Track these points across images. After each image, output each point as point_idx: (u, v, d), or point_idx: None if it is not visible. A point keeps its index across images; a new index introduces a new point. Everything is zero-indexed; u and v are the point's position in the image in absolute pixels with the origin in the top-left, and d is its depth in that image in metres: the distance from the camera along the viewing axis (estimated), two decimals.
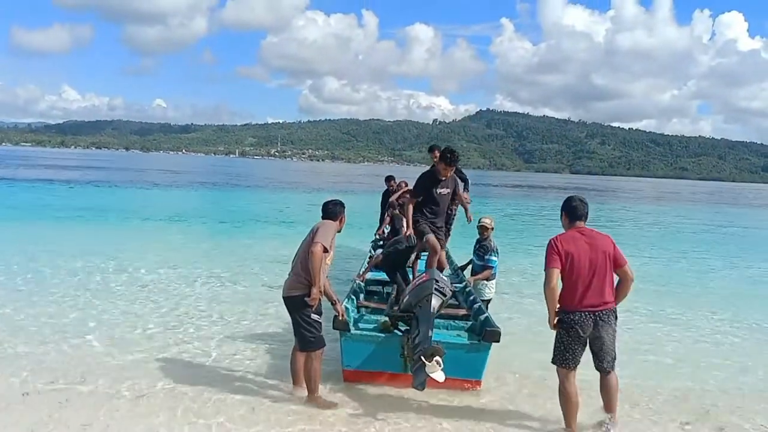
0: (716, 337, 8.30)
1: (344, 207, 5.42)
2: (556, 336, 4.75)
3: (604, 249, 4.66)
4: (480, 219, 7.70)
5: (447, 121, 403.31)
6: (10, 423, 4.57)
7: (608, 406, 4.86)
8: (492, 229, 7.70)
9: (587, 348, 4.68)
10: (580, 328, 4.58)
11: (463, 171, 9.71)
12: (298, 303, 5.06)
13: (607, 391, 4.82)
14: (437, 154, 8.56)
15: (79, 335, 6.91)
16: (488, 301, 7.45)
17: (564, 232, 4.83)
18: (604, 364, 4.74)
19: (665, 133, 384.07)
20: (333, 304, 5.40)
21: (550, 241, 4.74)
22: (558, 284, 4.63)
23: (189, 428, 4.61)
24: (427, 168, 7.67)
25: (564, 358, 4.68)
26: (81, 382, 5.48)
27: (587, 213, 4.85)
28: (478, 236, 7.71)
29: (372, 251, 10.37)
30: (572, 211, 4.81)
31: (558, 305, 4.65)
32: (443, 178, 7.16)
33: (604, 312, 4.61)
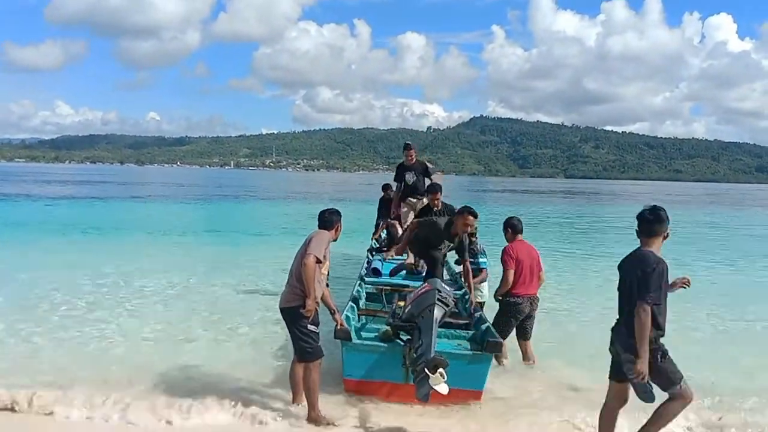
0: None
1: (340, 216, 5.38)
2: (500, 315, 6.53)
3: (534, 256, 6.63)
4: None
5: (441, 129, 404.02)
6: None
7: (529, 358, 6.72)
8: (475, 230, 7.83)
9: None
10: (523, 307, 6.48)
11: (441, 173, 10.23)
12: (294, 314, 5.02)
13: (527, 351, 6.74)
14: (411, 153, 9.37)
15: (73, 347, 6.88)
16: (482, 303, 7.46)
17: (514, 242, 6.61)
18: (527, 334, 6.71)
19: (659, 136, 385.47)
20: (332, 313, 5.35)
21: (506, 248, 6.55)
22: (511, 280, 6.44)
23: None
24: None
25: (503, 331, 6.33)
26: (69, 394, 5.37)
27: (523, 229, 6.71)
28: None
29: (369, 256, 10.31)
30: (514, 227, 6.67)
31: (505, 291, 6.48)
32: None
33: (536, 297, 6.65)
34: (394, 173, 10.07)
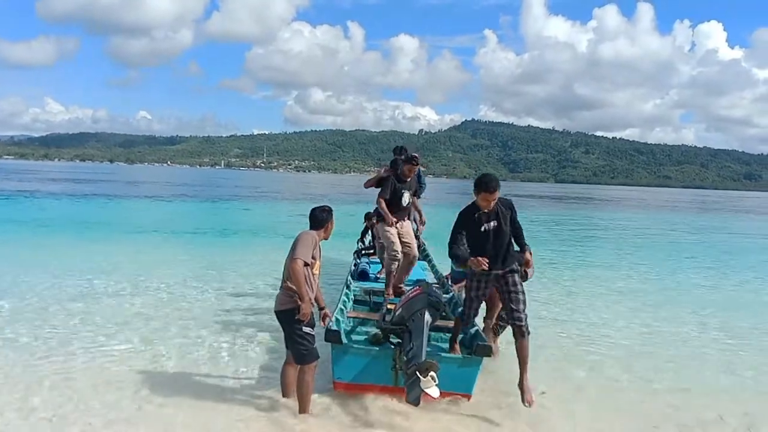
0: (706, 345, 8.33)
1: (332, 214, 5.31)
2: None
3: None
4: None
5: (433, 132, 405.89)
6: None
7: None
8: None
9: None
10: None
11: (424, 177, 9.45)
12: (289, 317, 5.01)
13: (496, 343, 6.89)
14: (416, 169, 8.00)
15: (62, 349, 6.79)
16: None
17: None
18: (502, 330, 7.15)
19: (648, 142, 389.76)
20: (320, 309, 5.33)
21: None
22: None
23: None
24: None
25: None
26: (62, 397, 5.38)
27: None
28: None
29: (357, 259, 10.31)
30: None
31: None
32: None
33: None
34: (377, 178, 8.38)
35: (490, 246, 5.38)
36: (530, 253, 6.26)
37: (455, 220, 5.49)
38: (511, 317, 5.41)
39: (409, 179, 8.02)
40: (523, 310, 5.36)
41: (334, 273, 11.20)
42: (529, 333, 5.37)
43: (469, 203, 5.48)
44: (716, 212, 54.62)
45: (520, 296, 5.42)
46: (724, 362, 7.55)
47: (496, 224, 5.38)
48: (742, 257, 19.54)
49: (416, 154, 8.12)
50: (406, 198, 8.01)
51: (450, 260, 8.52)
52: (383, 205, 7.95)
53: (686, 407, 5.89)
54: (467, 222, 5.41)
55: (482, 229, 5.37)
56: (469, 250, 5.42)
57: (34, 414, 5.04)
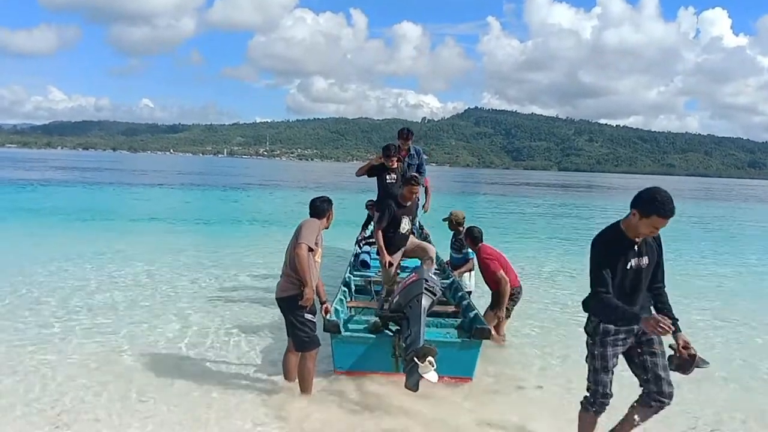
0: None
1: (332, 204, 5.37)
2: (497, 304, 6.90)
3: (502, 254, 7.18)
4: (450, 214, 7.97)
5: (436, 120, 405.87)
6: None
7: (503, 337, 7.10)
8: (463, 221, 7.97)
9: None
10: (518, 296, 7.19)
11: (423, 156, 8.89)
12: (291, 303, 5.03)
13: (502, 329, 7.15)
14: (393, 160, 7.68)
15: (62, 339, 6.84)
16: (469, 292, 7.55)
17: (481, 245, 7.12)
18: (508, 314, 7.18)
19: (652, 130, 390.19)
20: (321, 303, 5.38)
21: (481, 253, 7.02)
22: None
23: (180, 427, 4.64)
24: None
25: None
26: (63, 386, 5.42)
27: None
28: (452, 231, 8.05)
29: (358, 248, 10.35)
30: (476, 239, 7.17)
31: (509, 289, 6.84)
32: None
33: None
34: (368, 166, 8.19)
35: (635, 290, 3.75)
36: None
37: (596, 251, 3.73)
38: (658, 390, 3.77)
39: (409, 203, 7.13)
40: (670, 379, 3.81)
41: (335, 262, 11.25)
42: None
43: (609, 228, 3.78)
44: (723, 201, 54.39)
45: (664, 360, 3.81)
46: (737, 357, 7.42)
47: (647, 262, 3.76)
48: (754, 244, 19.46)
49: (394, 143, 7.95)
50: (405, 225, 7.16)
51: (449, 250, 8.57)
52: (380, 238, 7.06)
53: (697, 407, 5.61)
54: (614, 255, 3.68)
55: (628, 266, 3.69)
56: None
57: (33, 405, 5.04)
